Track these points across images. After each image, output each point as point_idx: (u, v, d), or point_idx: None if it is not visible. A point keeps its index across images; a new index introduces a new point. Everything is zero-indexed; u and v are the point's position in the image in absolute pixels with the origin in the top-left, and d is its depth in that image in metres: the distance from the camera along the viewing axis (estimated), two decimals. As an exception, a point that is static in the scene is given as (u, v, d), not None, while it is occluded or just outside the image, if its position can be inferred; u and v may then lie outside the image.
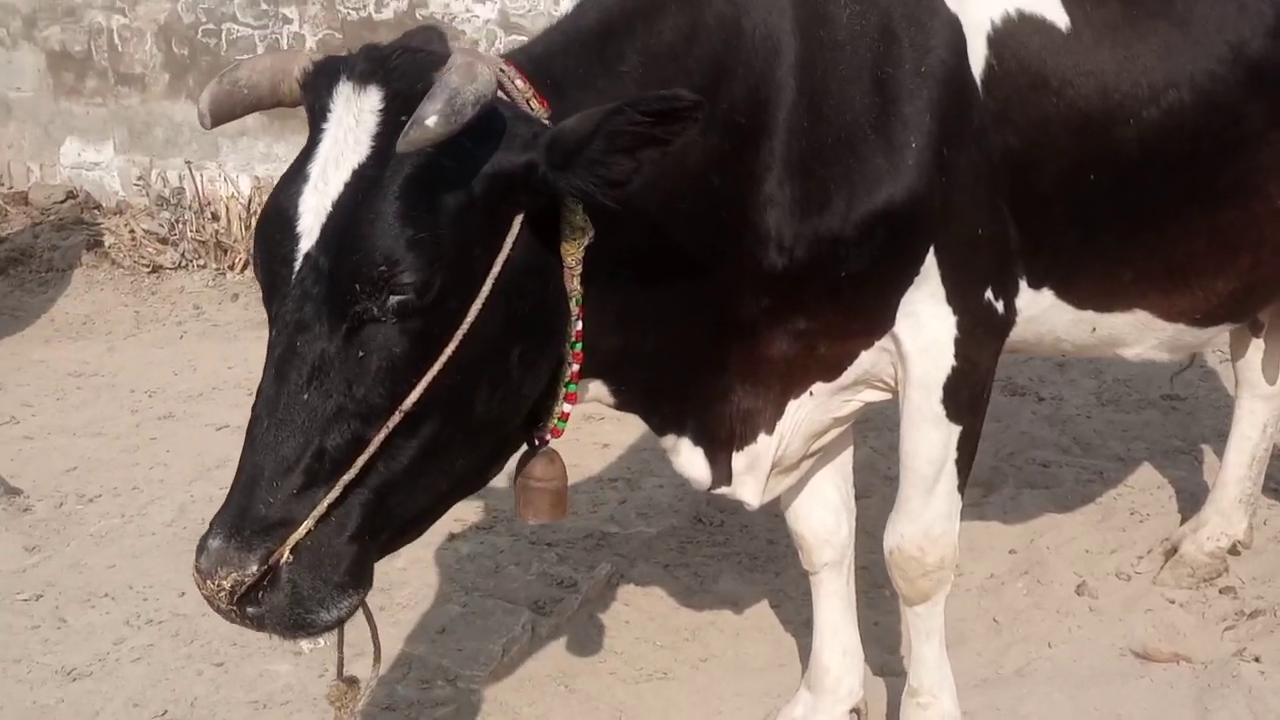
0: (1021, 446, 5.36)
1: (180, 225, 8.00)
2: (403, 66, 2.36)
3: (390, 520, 2.39)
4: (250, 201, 8.07)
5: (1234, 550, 4.42)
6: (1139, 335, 3.40)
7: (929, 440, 3.12)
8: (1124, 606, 4.23)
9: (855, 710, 3.62)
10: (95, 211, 8.75)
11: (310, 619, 2.28)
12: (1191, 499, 4.66)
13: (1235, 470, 4.41)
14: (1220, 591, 4.30)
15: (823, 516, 3.49)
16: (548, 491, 2.70)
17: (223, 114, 2.50)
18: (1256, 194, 3.24)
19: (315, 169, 2.32)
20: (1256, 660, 3.92)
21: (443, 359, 2.30)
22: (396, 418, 2.28)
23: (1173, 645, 4.03)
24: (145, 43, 8.61)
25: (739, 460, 3.12)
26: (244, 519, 2.24)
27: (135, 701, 3.72)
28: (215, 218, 8.04)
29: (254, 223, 2.44)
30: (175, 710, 3.68)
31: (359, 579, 2.33)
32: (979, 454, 5.15)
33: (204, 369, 6.49)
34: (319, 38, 8.09)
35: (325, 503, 2.25)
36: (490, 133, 2.33)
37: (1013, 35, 2.94)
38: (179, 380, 6.37)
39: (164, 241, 8.01)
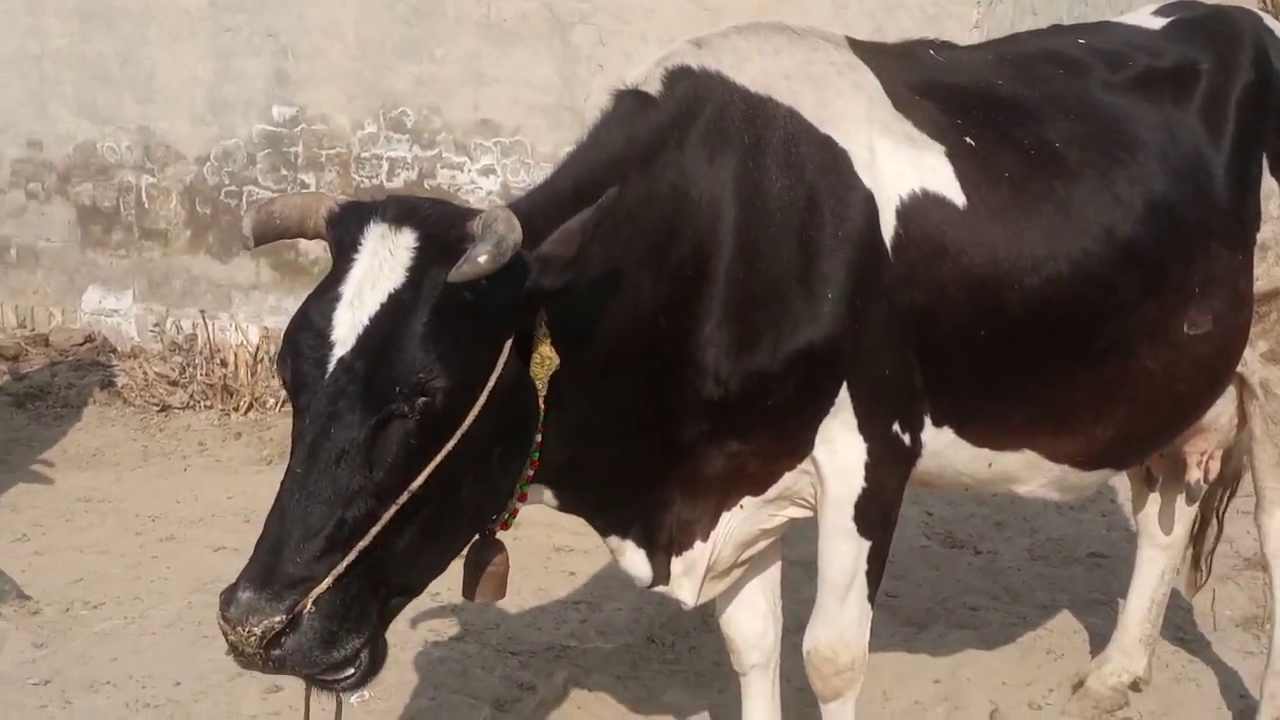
0: (955, 593, 5.82)
1: (190, 369, 8.53)
2: (435, 215, 2.92)
3: (388, 581, 2.83)
4: (258, 350, 8.63)
5: (1135, 686, 4.85)
6: (1030, 474, 3.89)
7: (842, 553, 3.58)
8: (1032, 732, 4.68)
9: (777, 801, 4.04)
10: (111, 354, 9.28)
11: (325, 659, 2.69)
12: (1105, 643, 5.07)
13: (1136, 613, 4.88)
14: (1119, 723, 4.75)
15: (752, 622, 3.96)
16: (495, 575, 3.21)
17: (261, 237, 3.04)
18: (1130, 355, 3.78)
19: (348, 290, 2.81)
20: (1146, 782, 4.36)
21: (444, 452, 2.79)
22: (404, 497, 2.76)
23: (1073, 766, 4.46)
24: (171, 201, 9.26)
25: (677, 564, 3.59)
26: (272, 575, 2.64)
27: (131, 770, 4.14)
28: (224, 364, 8.57)
29: (282, 336, 2.93)
30: (168, 780, 4.10)
31: (362, 626, 2.76)
32: (915, 598, 5.70)
33: (205, 498, 6.95)
34: (332, 202, 8.73)
35: (344, 563, 2.69)
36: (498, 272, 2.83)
37: (918, 209, 3.49)
38: (181, 507, 6.81)
39: (174, 384, 8.52)
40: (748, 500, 3.57)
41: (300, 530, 2.68)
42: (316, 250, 8.73)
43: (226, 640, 2.66)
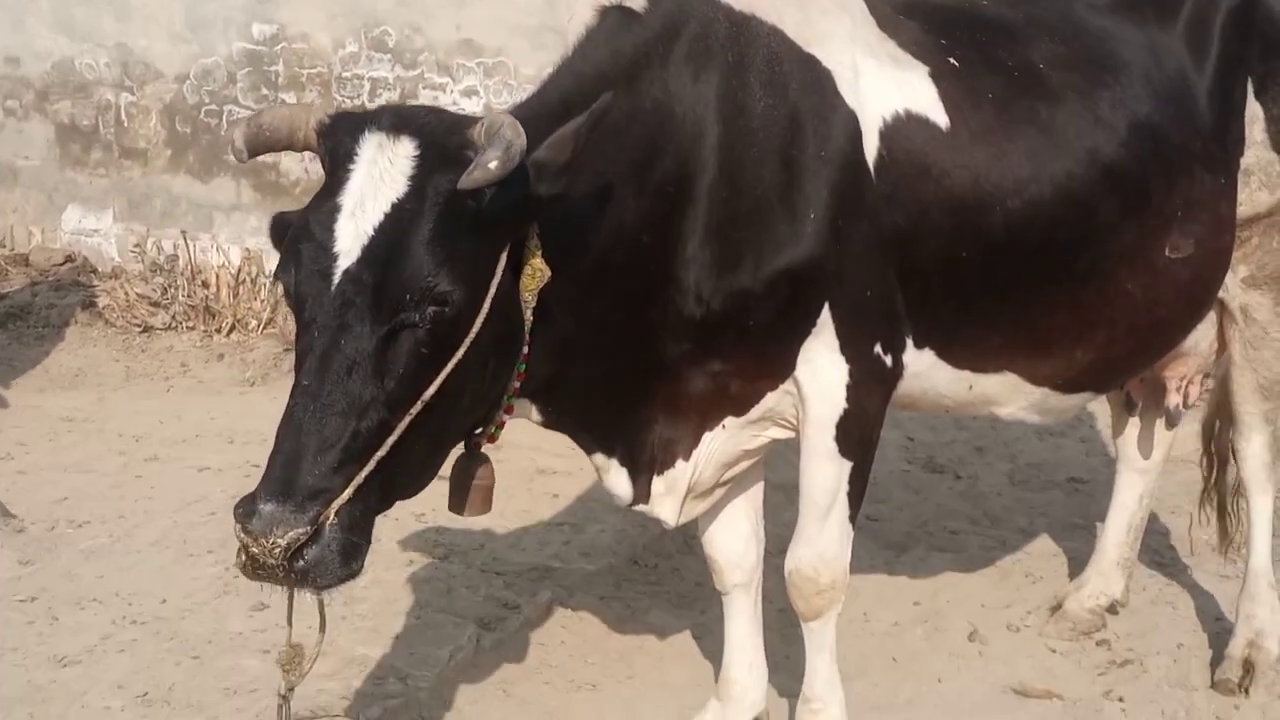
0: (936, 517, 5.87)
1: (172, 290, 8.51)
2: (433, 123, 2.90)
3: (393, 490, 2.86)
4: (239, 271, 8.60)
5: (1111, 609, 4.90)
6: (1010, 396, 3.91)
7: (824, 473, 3.60)
8: (1010, 652, 4.71)
9: (757, 718, 4.09)
10: (92, 275, 9.24)
11: (344, 571, 2.71)
12: (1083, 567, 5.11)
13: (1114, 536, 4.93)
14: (1097, 644, 4.77)
15: (734, 543, 3.98)
16: (482, 488, 3.25)
17: (253, 150, 3.02)
18: (1108, 278, 3.79)
19: (348, 200, 2.80)
20: (1120, 700, 4.40)
21: (454, 361, 2.81)
22: (418, 407, 2.77)
23: (1048, 685, 4.51)
24: (150, 120, 9.18)
25: (659, 484, 3.61)
26: (293, 487, 2.65)
27: (120, 684, 4.15)
28: (206, 285, 8.55)
29: (284, 246, 2.88)
30: (155, 693, 4.11)
31: (369, 535, 2.79)
32: (896, 521, 5.75)
33: (188, 419, 6.95)
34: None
35: (363, 474, 2.70)
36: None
37: (901, 130, 3.48)
38: (164, 428, 6.81)
39: (156, 305, 8.50)
40: (730, 420, 3.58)
41: (317, 442, 2.69)
42: (298, 170, 8.69)
43: (247, 553, 2.65)
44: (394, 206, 2.78)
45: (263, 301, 8.32)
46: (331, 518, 2.66)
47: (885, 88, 3.51)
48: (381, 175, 2.81)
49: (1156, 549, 5.50)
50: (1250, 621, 4.54)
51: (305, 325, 2.80)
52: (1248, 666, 4.47)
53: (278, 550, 2.62)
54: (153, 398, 7.39)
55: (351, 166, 2.84)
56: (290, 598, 2.97)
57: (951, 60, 3.61)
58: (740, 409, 3.57)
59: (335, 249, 2.77)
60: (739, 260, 3.35)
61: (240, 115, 8.72)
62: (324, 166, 2.93)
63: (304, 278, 2.80)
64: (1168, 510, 5.82)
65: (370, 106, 8.50)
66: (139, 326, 8.37)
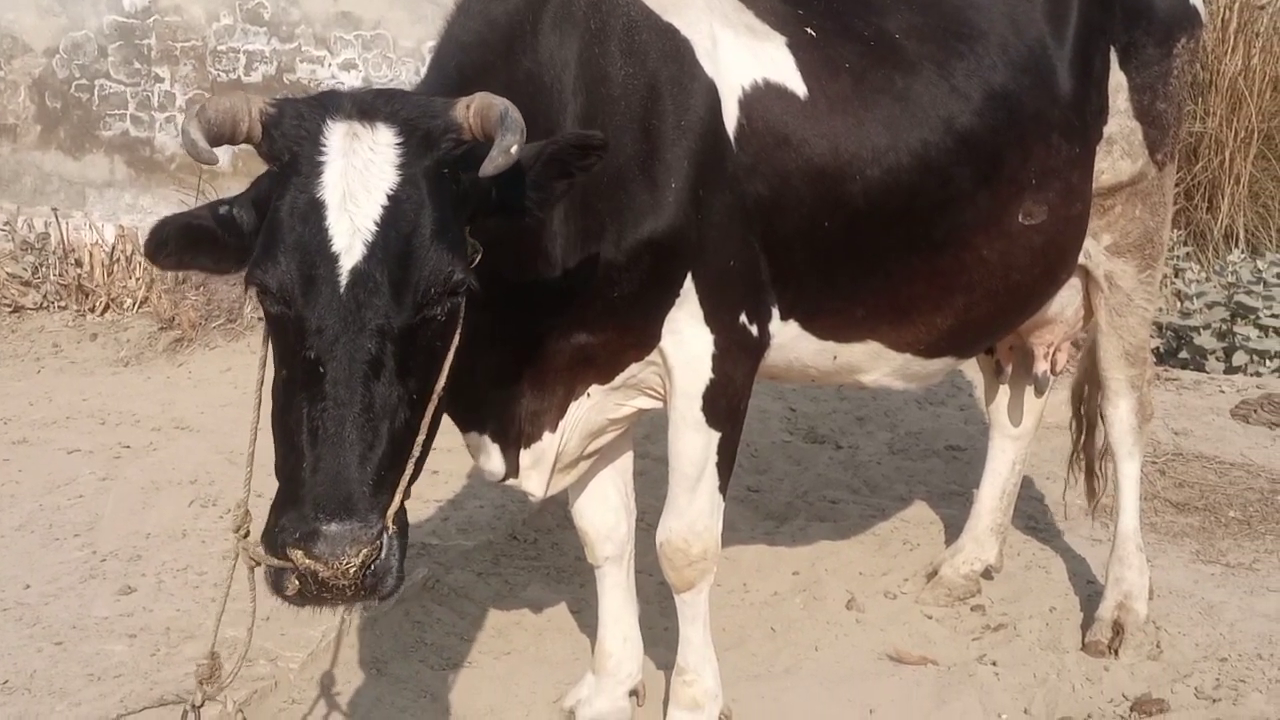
0: (816, 486, 5.91)
1: (43, 269, 8.30)
2: (405, 107, 2.75)
3: (411, 484, 2.72)
4: (114, 249, 8.40)
5: (986, 574, 4.97)
6: (873, 364, 3.94)
7: (691, 444, 3.60)
8: (887, 619, 4.75)
9: (634, 691, 4.08)
10: (-41, 255, 9.02)
11: (400, 573, 2.60)
12: (960, 534, 5.19)
13: (988, 502, 4.98)
14: (971, 609, 4.84)
15: (604, 515, 3.97)
16: None
17: (215, 146, 2.74)
18: (966, 245, 3.83)
19: (332, 194, 2.62)
20: (994, 664, 4.45)
21: (453, 347, 2.74)
22: (434, 401, 2.70)
23: (923, 651, 4.56)
24: (19, 95, 8.95)
25: (526, 456, 3.59)
26: (353, 501, 2.50)
27: (-21, 672, 4.06)
28: (79, 263, 8.34)
29: (275, 251, 2.65)
30: (16, 680, 4.02)
31: (407, 532, 2.70)
32: (776, 492, 5.76)
33: (59, 400, 6.80)
34: (189, 97, 8.51)
35: (405, 478, 2.61)
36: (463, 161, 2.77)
37: (760, 100, 3.48)
38: (34, 410, 6.66)
39: (26, 284, 8.29)
40: (594, 389, 3.56)
41: (359, 451, 2.55)
42: (173, 146, 8.50)
43: (312, 579, 2.49)
44: (391, 198, 2.64)
45: (138, 280, 8.14)
46: (390, 526, 2.57)
47: (743, 57, 3.49)
48: (365, 166, 2.66)
49: (1031, 514, 5.59)
50: (1119, 584, 4.61)
51: (312, 331, 2.60)
52: (1117, 628, 4.55)
53: (352, 569, 2.49)
54: (23, 379, 7.21)
55: (321, 158, 2.67)
56: (220, 609, 3.01)
57: (808, 30, 3.61)
58: (605, 377, 3.55)
59: (333, 247, 2.61)
60: (602, 231, 3.33)
61: (112, 90, 8.56)
62: (272, 159, 2.73)
63: (299, 280, 2.61)
64: (1042, 476, 5.91)
65: (246, 81, 8.39)
66: (9, 306, 8.17)
